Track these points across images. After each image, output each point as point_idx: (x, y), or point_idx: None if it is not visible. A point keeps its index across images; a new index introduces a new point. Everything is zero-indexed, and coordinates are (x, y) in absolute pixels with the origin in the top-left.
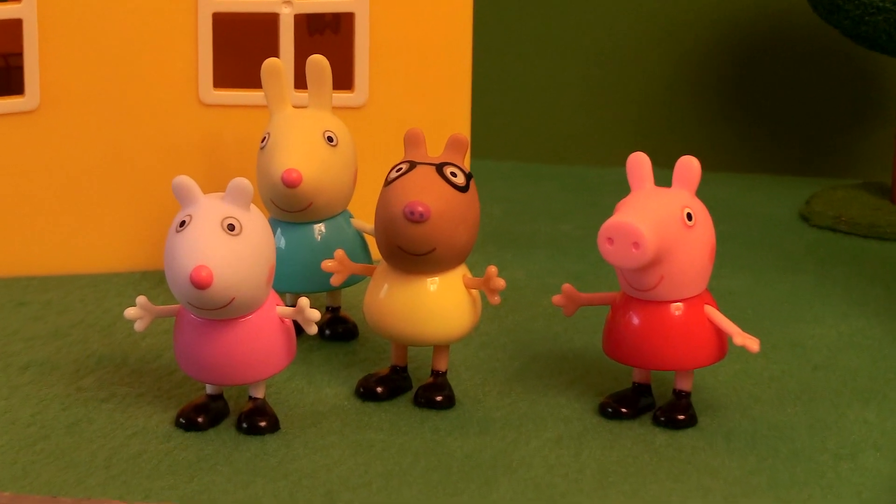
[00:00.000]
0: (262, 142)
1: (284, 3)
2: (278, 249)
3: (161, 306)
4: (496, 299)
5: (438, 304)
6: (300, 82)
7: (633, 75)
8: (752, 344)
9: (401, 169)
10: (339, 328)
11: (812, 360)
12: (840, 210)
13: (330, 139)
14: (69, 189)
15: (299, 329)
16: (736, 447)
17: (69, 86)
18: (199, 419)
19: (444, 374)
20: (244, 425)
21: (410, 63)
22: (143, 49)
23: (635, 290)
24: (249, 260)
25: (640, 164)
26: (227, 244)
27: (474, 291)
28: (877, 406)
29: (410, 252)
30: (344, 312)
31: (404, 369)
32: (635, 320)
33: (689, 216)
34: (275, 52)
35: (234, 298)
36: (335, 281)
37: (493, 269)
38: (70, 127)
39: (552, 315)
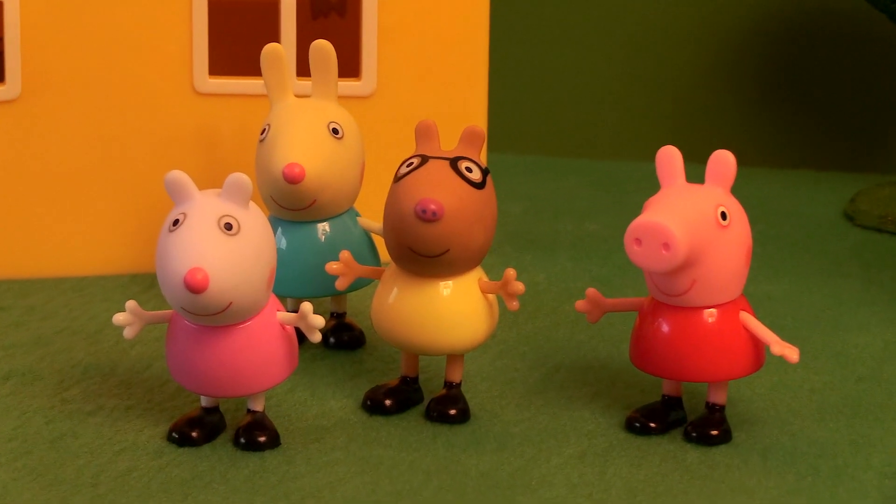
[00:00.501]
0: (262, 134)
1: None
2: (279, 250)
3: (152, 312)
4: (515, 305)
5: (452, 310)
6: (303, 70)
7: (665, 62)
8: (792, 353)
9: (412, 163)
10: (345, 336)
11: (856, 371)
12: (887, 209)
13: (335, 131)
14: (52, 185)
15: (301, 337)
16: (773, 465)
17: (53, 73)
18: (194, 434)
19: (459, 385)
20: (242, 440)
21: (422, 48)
22: (134, 34)
23: (665, 296)
24: (248, 262)
25: (670, 158)
26: (224, 244)
27: (491, 296)
28: None
29: (422, 254)
30: (350, 319)
31: (415, 380)
32: (665, 328)
33: (724, 215)
34: (276, 38)
35: (231, 303)
36: (340, 284)
37: (511, 273)
38: (53, 118)
39: (575, 322)
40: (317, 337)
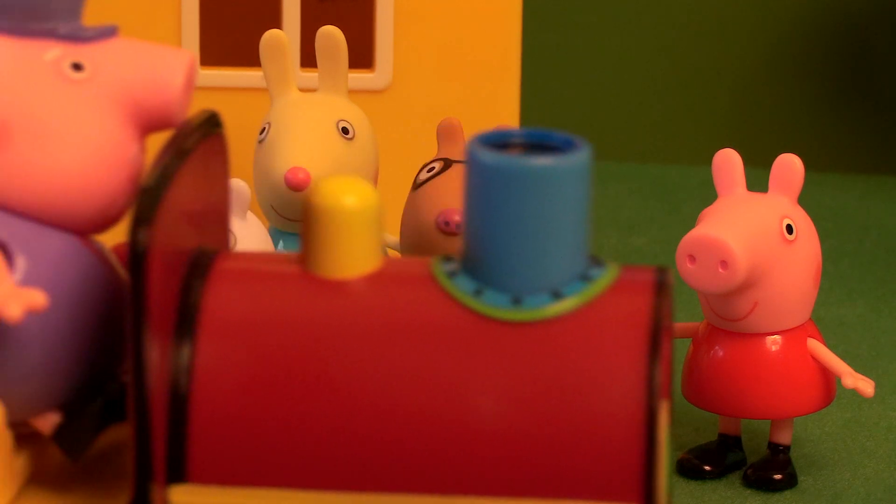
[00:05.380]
0: (261, 134)
1: None
2: None
3: None
4: None
5: None
6: (308, 60)
7: (722, 51)
8: (866, 386)
9: (433, 168)
10: None
11: None
12: None
13: (345, 130)
14: None
15: None
16: None
17: None
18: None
19: None
20: None
21: (445, 36)
22: (114, 18)
23: (722, 320)
24: None
25: (729, 163)
26: None
27: None
28: None
29: None
30: None
31: None
32: (722, 357)
33: (790, 228)
34: (277, 23)
35: None
36: None
37: None
38: None
39: None
40: None
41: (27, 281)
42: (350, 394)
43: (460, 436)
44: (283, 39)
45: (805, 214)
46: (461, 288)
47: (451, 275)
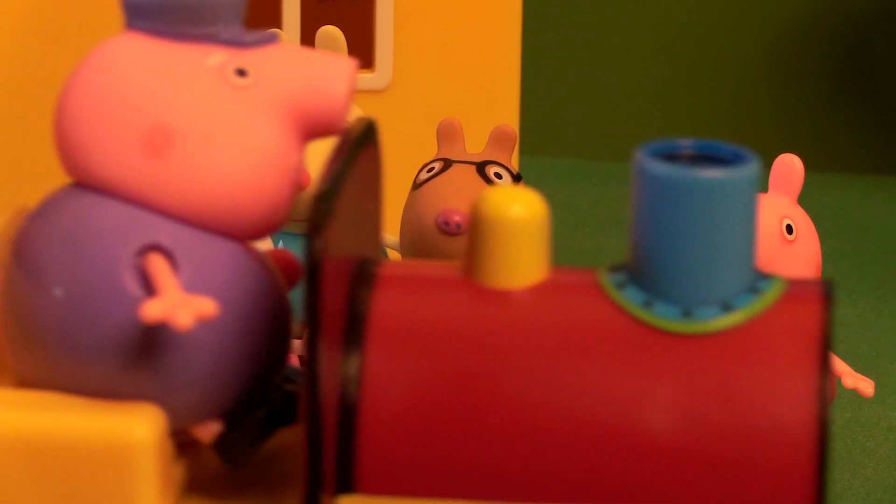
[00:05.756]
0: None
1: None
2: None
3: None
4: None
5: None
6: None
7: (724, 53)
8: (866, 387)
9: (433, 168)
10: None
11: None
12: None
13: None
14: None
15: None
16: None
17: (19, 74)
18: None
19: None
20: None
21: (445, 36)
22: (116, 18)
23: None
24: None
25: None
26: None
27: None
28: None
29: None
30: None
31: None
32: None
33: (790, 228)
34: (277, 23)
35: None
36: None
37: None
38: (19, 125)
39: None
40: None
41: (193, 288)
42: (518, 405)
43: (630, 449)
44: (283, 39)
45: (805, 214)
46: (631, 299)
47: (620, 286)
